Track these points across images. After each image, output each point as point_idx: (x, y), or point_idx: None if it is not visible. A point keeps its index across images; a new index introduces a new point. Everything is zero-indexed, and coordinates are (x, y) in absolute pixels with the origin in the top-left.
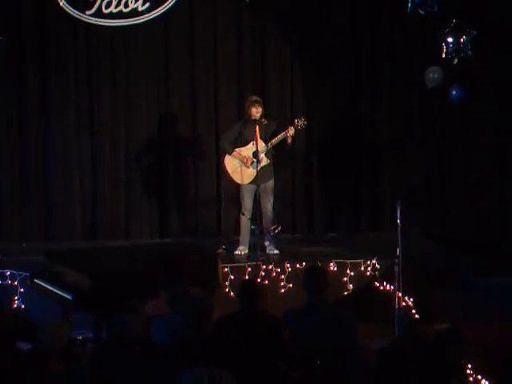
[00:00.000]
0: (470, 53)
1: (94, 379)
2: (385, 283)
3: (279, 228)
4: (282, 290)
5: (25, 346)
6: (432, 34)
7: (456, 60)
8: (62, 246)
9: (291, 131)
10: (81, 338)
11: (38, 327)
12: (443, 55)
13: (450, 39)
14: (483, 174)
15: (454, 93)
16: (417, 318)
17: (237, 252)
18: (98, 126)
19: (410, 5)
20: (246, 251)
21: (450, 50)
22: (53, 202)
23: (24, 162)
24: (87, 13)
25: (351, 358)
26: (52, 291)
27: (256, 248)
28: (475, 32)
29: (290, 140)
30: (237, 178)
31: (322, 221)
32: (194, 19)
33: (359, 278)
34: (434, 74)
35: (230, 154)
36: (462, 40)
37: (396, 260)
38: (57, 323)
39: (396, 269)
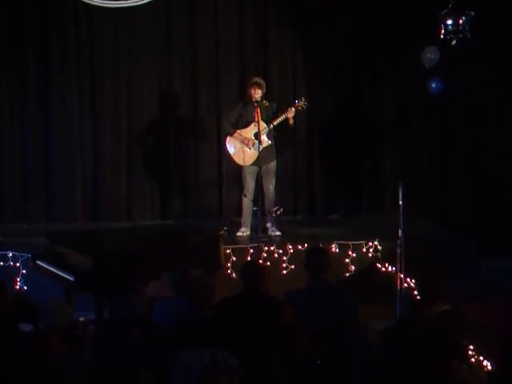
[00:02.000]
0: (469, 34)
1: (96, 360)
2: (387, 264)
3: (281, 209)
4: (284, 272)
5: (27, 327)
6: (432, 16)
7: (454, 41)
8: (64, 228)
9: (292, 112)
10: (83, 319)
11: (40, 309)
12: (441, 36)
13: (448, 21)
14: (485, 155)
15: (433, 85)
16: (418, 300)
17: (239, 233)
18: (100, 108)
19: None
20: (248, 233)
21: (448, 31)
22: (54, 184)
23: (25, 144)
24: None
25: (352, 336)
26: (54, 273)
27: (258, 229)
28: (473, 13)
29: (291, 121)
30: (238, 160)
31: (323, 202)
32: (196, 1)
33: (361, 260)
34: (431, 54)
35: (231, 136)
36: (460, 21)
37: (398, 241)
38: (59, 304)
39: (398, 250)
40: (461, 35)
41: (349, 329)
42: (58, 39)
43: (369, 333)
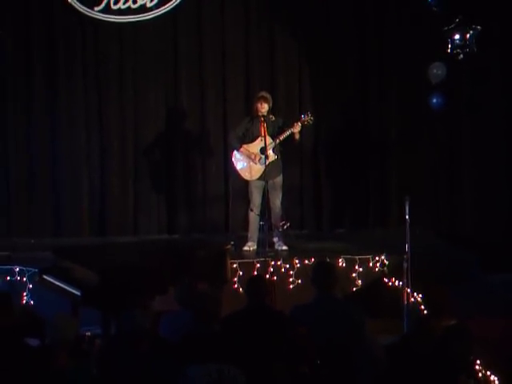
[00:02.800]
0: (475, 48)
1: (103, 375)
2: (393, 279)
3: (288, 224)
4: (291, 286)
5: (33, 341)
6: (438, 30)
7: (461, 56)
8: (71, 242)
9: (298, 127)
10: (89, 333)
11: (46, 323)
12: (448, 51)
13: (456, 35)
14: (491, 169)
15: (434, 100)
16: (425, 314)
17: (245, 248)
18: (107, 122)
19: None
20: (255, 247)
21: (455, 45)
22: (61, 198)
23: (32, 158)
24: (95, 9)
25: (358, 352)
26: (60, 287)
27: (265, 244)
28: (480, 27)
29: (297, 136)
30: (245, 174)
31: (330, 217)
32: (202, 15)
33: (368, 274)
34: (437, 70)
35: (237, 150)
36: (467, 36)
37: (404, 256)
38: (65, 319)
39: (404, 265)
40: (467, 50)
41: (355, 343)
42: (64, 54)
43: (375, 347)
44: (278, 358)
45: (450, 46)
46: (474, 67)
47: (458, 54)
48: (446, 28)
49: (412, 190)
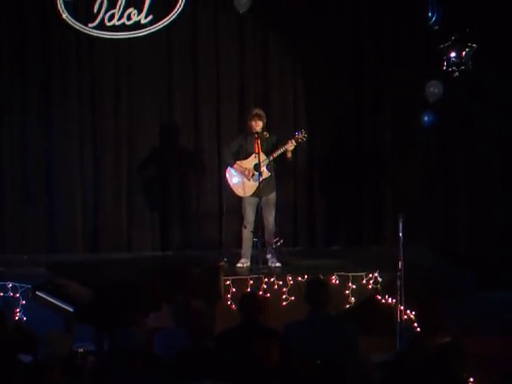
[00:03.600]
0: (471, 66)
1: None
2: (387, 296)
3: (281, 241)
4: (284, 303)
5: (26, 358)
6: (433, 47)
7: (457, 73)
8: (64, 259)
9: (292, 144)
10: (82, 350)
11: (39, 339)
12: (444, 68)
13: (452, 53)
14: (486, 186)
15: (425, 118)
16: (419, 332)
17: (239, 265)
18: (101, 138)
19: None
20: (248, 264)
21: (451, 63)
22: (55, 214)
23: (26, 173)
24: (90, 25)
25: (351, 371)
26: (54, 303)
27: (258, 261)
28: (476, 45)
29: (290, 154)
30: (238, 191)
31: (323, 234)
32: (197, 32)
33: (361, 291)
34: (434, 89)
35: (231, 167)
36: (463, 53)
37: (398, 273)
38: (58, 335)
39: (398, 282)
40: (463, 67)
41: (348, 363)
42: (59, 69)
43: (367, 365)
44: (274, 376)
45: (445, 63)
46: (468, 84)
47: (454, 71)
48: (442, 46)
49: (406, 206)
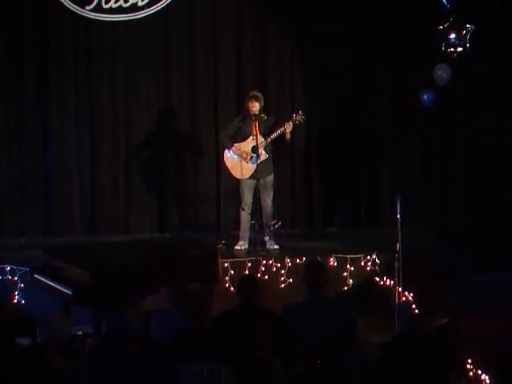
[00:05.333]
0: (468, 46)
1: (94, 374)
2: (385, 278)
3: (279, 223)
4: (282, 285)
5: (25, 341)
6: (431, 29)
7: (455, 54)
8: (62, 241)
9: (289, 126)
10: (81, 333)
11: (38, 322)
12: (443, 49)
13: (450, 34)
14: (483, 168)
15: (425, 97)
16: (417, 313)
17: (237, 247)
18: (98, 121)
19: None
20: (246, 246)
21: (450, 44)
22: (52, 197)
23: (23, 156)
24: (87, 8)
25: (350, 351)
26: (52, 286)
27: (256, 243)
28: (474, 26)
29: (288, 136)
30: (236, 173)
31: (321, 216)
32: (194, 14)
33: (359, 273)
34: (442, 73)
35: (229, 149)
36: (461, 34)
37: (396, 255)
38: (57, 318)
39: (396, 264)
40: (461, 48)
41: (347, 344)
42: (56, 52)
43: (367, 348)
44: (273, 357)
45: (444, 44)
46: (466, 65)
47: (452, 52)
48: (441, 27)
49: (404, 188)
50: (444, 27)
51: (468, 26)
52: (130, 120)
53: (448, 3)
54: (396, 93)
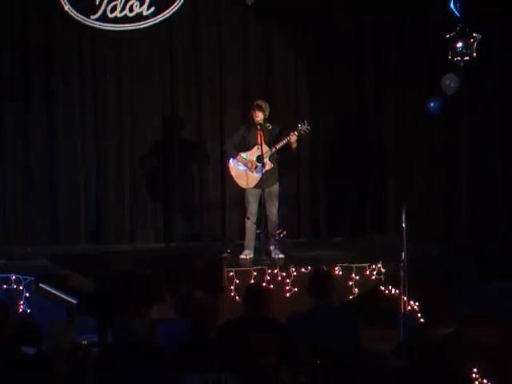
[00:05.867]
0: (475, 55)
1: (99, 383)
2: (390, 287)
3: (284, 232)
4: (288, 294)
5: (30, 350)
6: (437, 38)
7: (462, 63)
8: (67, 250)
9: (294, 136)
10: (86, 342)
11: (43, 331)
12: (449, 57)
13: (458, 43)
14: (488, 178)
15: (431, 105)
16: (422, 322)
17: (242, 256)
18: (103, 130)
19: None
20: (251, 255)
21: (456, 53)
22: (58, 206)
23: (29, 166)
24: (92, 17)
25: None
26: (57, 295)
27: (261, 252)
28: (480, 35)
29: (295, 145)
30: (241, 183)
31: (327, 225)
32: (199, 23)
33: (364, 282)
34: (450, 82)
35: (234, 158)
36: (469, 43)
37: (401, 264)
38: (62, 327)
39: (401, 273)
40: (468, 57)
41: (352, 351)
42: (61, 62)
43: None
44: (279, 367)
45: (451, 53)
46: (471, 73)
47: (459, 61)
48: (448, 35)
49: (409, 198)
50: (451, 36)
51: (475, 34)
52: (136, 130)
53: (459, 13)
54: (401, 102)
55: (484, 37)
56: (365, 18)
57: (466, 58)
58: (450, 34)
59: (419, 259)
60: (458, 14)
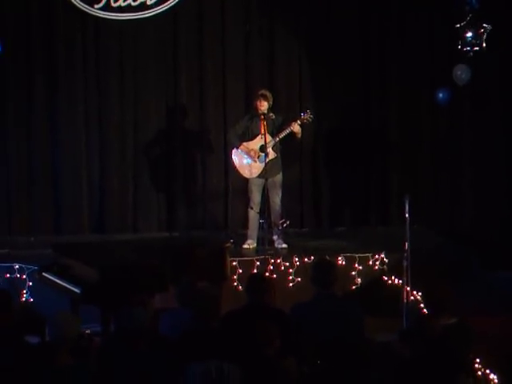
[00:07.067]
0: (484, 46)
1: (102, 372)
2: (393, 277)
3: (287, 222)
4: (291, 284)
5: (33, 339)
6: (442, 28)
7: (471, 53)
8: (71, 240)
9: (297, 126)
10: (89, 331)
11: (46, 321)
12: (459, 47)
13: (468, 33)
14: (491, 167)
15: (440, 95)
16: (425, 312)
17: (245, 246)
18: (107, 120)
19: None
20: (255, 245)
21: (465, 43)
22: (61, 196)
23: (32, 155)
24: (96, 6)
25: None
26: (60, 284)
27: (264, 242)
28: (490, 26)
29: (299, 135)
30: (244, 172)
31: (330, 215)
32: (203, 12)
33: (367, 272)
34: (461, 73)
35: (237, 148)
36: (478, 33)
37: (404, 254)
38: (66, 317)
39: (404, 263)
40: (477, 48)
41: (355, 340)
42: (65, 51)
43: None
44: (284, 356)
45: (460, 43)
46: (477, 64)
47: (468, 51)
48: (459, 25)
49: (412, 188)
50: (461, 25)
51: (485, 25)
52: (139, 119)
53: (476, 3)
54: (404, 93)
55: (494, 27)
56: (370, 8)
57: (476, 48)
58: (460, 23)
59: (422, 249)
60: (476, 6)
